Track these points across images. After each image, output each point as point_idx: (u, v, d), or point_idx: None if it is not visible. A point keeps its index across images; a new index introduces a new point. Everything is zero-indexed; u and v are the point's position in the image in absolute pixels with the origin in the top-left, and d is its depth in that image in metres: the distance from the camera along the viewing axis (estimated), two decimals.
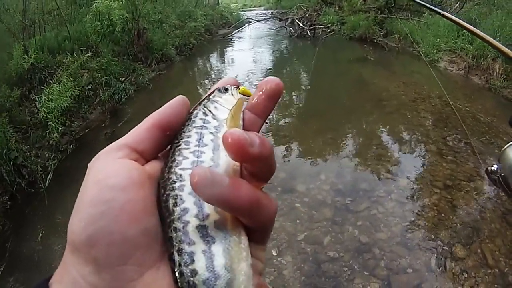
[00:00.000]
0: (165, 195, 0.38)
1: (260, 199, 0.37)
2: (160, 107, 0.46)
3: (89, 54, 8.51)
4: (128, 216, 0.36)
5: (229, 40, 16.30)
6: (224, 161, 0.40)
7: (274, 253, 4.10)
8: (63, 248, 0.38)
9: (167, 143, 0.44)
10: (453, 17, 2.48)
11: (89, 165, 0.40)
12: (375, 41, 13.76)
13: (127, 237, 0.35)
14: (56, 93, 6.77)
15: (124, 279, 0.35)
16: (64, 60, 8.10)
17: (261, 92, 0.46)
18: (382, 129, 6.98)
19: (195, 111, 0.46)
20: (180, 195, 0.37)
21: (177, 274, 0.35)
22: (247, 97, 0.49)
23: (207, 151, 0.41)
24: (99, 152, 0.41)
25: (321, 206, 4.79)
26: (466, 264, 3.75)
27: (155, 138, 0.43)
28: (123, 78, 9.33)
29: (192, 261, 0.34)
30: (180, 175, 0.39)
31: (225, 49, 15.26)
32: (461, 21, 2.40)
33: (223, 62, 13.75)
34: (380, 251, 3.99)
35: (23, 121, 6.63)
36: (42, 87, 7.20)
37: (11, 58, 7.17)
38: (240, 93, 0.50)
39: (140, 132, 0.43)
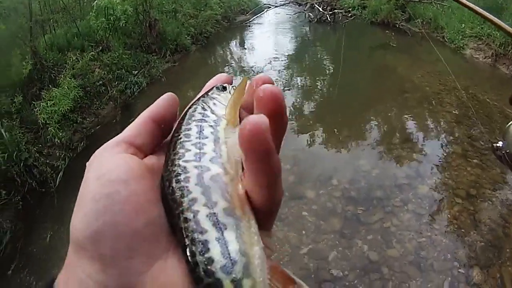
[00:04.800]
0: (171, 188, 0.38)
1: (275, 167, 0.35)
2: None
3: (96, 51, 8.53)
4: (132, 208, 0.36)
5: (248, 26, 16.04)
6: (226, 152, 0.41)
7: None
8: None
9: (162, 136, 0.45)
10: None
11: (88, 162, 0.40)
12: (397, 26, 13.33)
13: (134, 229, 0.35)
14: (58, 97, 6.75)
15: (133, 273, 0.35)
16: (68, 61, 8.06)
17: (254, 90, 0.43)
18: (403, 126, 6.70)
19: (194, 106, 0.46)
20: (186, 186, 0.37)
21: (192, 264, 0.34)
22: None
23: (208, 143, 0.41)
24: (99, 149, 0.41)
25: (330, 215, 4.61)
26: None
27: (151, 132, 0.43)
28: (136, 71, 9.28)
29: (207, 249, 0.34)
30: (184, 167, 0.39)
31: (244, 36, 15.05)
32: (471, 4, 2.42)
33: (243, 49, 13.50)
34: (390, 271, 3.80)
35: (34, 121, 6.65)
36: (53, 87, 7.17)
37: (10, 65, 7.20)
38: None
39: (136, 126, 0.43)
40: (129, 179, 0.37)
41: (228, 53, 13.39)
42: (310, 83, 9.40)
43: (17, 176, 5.50)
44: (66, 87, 6.96)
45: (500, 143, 1.79)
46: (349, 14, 15.55)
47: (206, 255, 0.33)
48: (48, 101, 6.65)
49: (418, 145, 5.99)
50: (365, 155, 5.83)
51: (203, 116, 0.45)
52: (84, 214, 0.35)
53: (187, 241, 0.34)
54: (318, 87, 9.33)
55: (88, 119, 7.47)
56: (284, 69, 10.51)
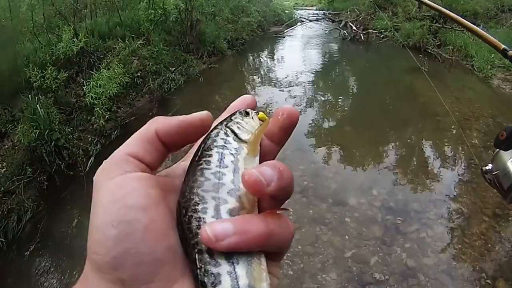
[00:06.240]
0: (187, 217, 0.38)
1: (272, 231, 0.37)
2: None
3: (140, 42, 8.55)
4: (153, 235, 0.36)
5: (281, 38, 16.18)
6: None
7: (319, 266, 4.02)
8: None
9: (165, 156, 0.43)
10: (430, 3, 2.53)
11: (95, 178, 0.39)
12: (429, 51, 13.31)
13: (154, 256, 0.36)
14: (105, 79, 6.75)
15: None
16: (115, 46, 8.19)
17: (278, 119, 0.46)
18: (436, 147, 6.78)
19: (216, 130, 0.46)
20: (203, 218, 0.38)
21: None
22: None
23: (227, 173, 0.41)
24: (104, 163, 0.40)
25: (371, 223, 4.68)
26: None
27: (158, 149, 0.42)
28: (173, 68, 9.36)
29: (219, 282, 0.35)
30: (203, 197, 0.39)
31: (276, 47, 15.16)
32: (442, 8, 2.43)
33: (274, 60, 13.57)
34: (425, 278, 3.86)
35: (68, 103, 6.71)
36: (90, 71, 7.24)
37: (60, 41, 7.16)
38: (259, 119, 0.50)
39: (145, 140, 0.42)
40: (148, 205, 0.37)
41: (260, 61, 13.52)
42: (344, 98, 9.47)
43: (46, 155, 5.45)
44: (115, 70, 6.98)
45: (489, 166, 1.81)
46: (382, 35, 15.63)
47: (217, 287, 0.35)
48: (98, 81, 6.67)
49: (450, 165, 6.10)
50: (401, 170, 5.95)
51: (225, 143, 0.45)
52: (102, 238, 0.36)
53: (199, 272, 0.36)
54: (353, 103, 9.42)
55: (122, 108, 7.54)
56: (316, 83, 10.64)
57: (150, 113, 7.72)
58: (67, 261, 4.39)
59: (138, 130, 0.42)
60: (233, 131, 0.46)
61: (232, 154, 0.44)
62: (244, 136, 0.46)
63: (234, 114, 0.49)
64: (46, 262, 4.39)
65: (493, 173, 1.77)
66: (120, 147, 0.41)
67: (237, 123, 0.48)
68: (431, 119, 7.71)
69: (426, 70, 11.46)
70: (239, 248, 0.35)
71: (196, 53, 10.91)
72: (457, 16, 2.25)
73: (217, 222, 0.37)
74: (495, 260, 4.06)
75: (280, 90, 9.79)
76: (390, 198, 5.15)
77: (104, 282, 0.35)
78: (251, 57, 13.76)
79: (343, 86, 10.84)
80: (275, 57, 13.94)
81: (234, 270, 0.36)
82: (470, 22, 2.17)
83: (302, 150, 6.41)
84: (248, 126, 0.48)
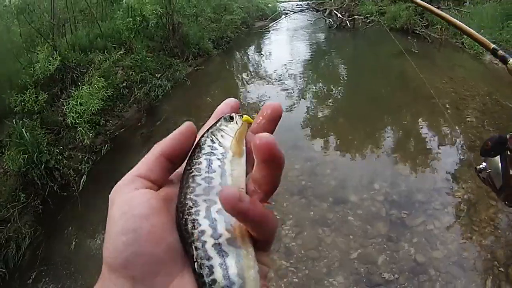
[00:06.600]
0: (183, 219, 0.43)
1: (268, 215, 0.42)
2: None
3: (121, 52, 8.43)
4: (154, 239, 0.42)
5: (267, 32, 16.09)
6: (231, 185, 0.46)
7: (324, 270, 3.95)
8: (97, 254, 1.84)
9: (173, 169, 0.48)
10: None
11: (110, 196, 0.45)
12: (417, 32, 13.26)
13: (156, 256, 0.41)
14: (86, 95, 6.63)
15: (157, 287, 0.41)
16: (95, 59, 8.02)
17: (262, 117, 0.51)
18: (435, 131, 6.67)
19: (203, 138, 0.50)
20: (196, 219, 0.43)
21: (201, 284, 0.40)
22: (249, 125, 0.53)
23: (216, 177, 0.46)
24: (118, 184, 0.46)
25: (375, 219, 4.59)
26: None
27: (163, 167, 0.47)
28: (159, 74, 9.27)
29: (212, 272, 0.40)
30: (195, 201, 0.44)
31: (262, 42, 15.11)
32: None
33: (261, 55, 13.52)
34: (436, 272, 3.79)
35: (55, 122, 6.64)
36: (72, 88, 7.12)
37: (37, 61, 7.05)
38: (243, 121, 0.53)
39: (150, 162, 0.47)
40: (150, 214, 0.43)
41: (247, 58, 13.44)
42: (335, 88, 9.39)
43: (38, 178, 5.43)
44: (96, 85, 6.84)
45: (482, 165, 1.82)
46: (368, 21, 15.52)
47: (211, 277, 0.40)
48: (78, 99, 6.54)
49: (451, 150, 6.00)
50: (402, 159, 5.83)
51: (212, 149, 0.49)
52: (115, 245, 0.41)
53: (196, 266, 0.41)
54: (345, 92, 9.34)
55: (111, 121, 7.46)
56: (306, 74, 10.54)
57: (139, 123, 7.74)
58: (69, 282, 4.44)
59: (145, 156, 0.48)
60: (217, 138, 0.50)
61: (219, 159, 0.48)
62: (229, 142, 0.50)
63: (219, 120, 0.53)
64: (49, 286, 4.42)
65: (487, 171, 1.79)
66: (130, 171, 0.47)
67: (221, 130, 0.51)
68: (425, 102, 7.56)
69: (416, 51, 11.38)
70: (248, 215, 0.39)
71: (181, 57, 10.80)
72: (446, 15, 2.20)
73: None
74: (507, 247, 3.98)
75: (270, 85, 9.72)
76: (392, 191, 5.03)
77: (119, 279, 0.41)
78: (238, 55, 13.67)
79: (333, 76, 10.75)
80: (262, 52, 13.89)
81: (225, 262, 0.41)
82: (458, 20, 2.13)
83: (296, 147, 6.30)
84: (232, 132, 0.51)
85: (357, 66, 11.09)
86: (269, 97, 8.66)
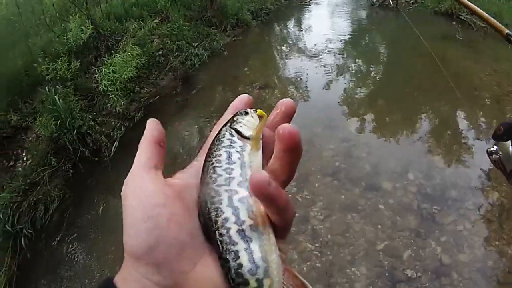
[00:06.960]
0: (207, 208, 0.45)
1: (290, 201, 0.45)
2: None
3: (157, 21, 8.49)
4: (176, 224, 0.44)
5: (307, 6, 15.68)
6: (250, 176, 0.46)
7: (349, 258, 3.89)
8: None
9: (163, 152, 0.51)
10: None
11: (122, 192, 0.47)
12: (462, 18, 12.67)
13: (180, 240, 0.43)
14: (119, 63, 6.65)
15: (181, 271, 0.43)
16: (130, 28, 8.03)
17: (277, 113, 0.54)
18: (476, 125, 6.35)
19: (222, 132, 0.52)
20: (220, 207, 0.45)
21: (227, 268, 0.43)
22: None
23: (236, 168, 0.48)
24: (129, 174, 0.48)
25: (407, 211, 4.44)
26: None
27: (158, 152, 0.50)
28: (196, 44, 9.17)
29: (238, 257, 0.42)
30: (217, 191, 0.46)
31: (302, 16, 14.76)
32: None
33: (301, 29, 13.16)
34: (459, 276, 3.67)
35: (89, 88, 6.69)
36: (106, 56, 7.20)
37: (70, 30, 7.18)
38: (258, 115, 0.54)
39: (148, 150, 0.50)
40: (166, 203, 0.44)
41: (287, 31, 13.14)
42: (374, 68, 9.15)
43: (69, 143, 5.50)
44: (130, 53, 6.87)
45: (494, 147, 1.88)
46: (411, 1, 15.03)
47: (237, 262, 0.42)
48: (111, 67, 6.59)
49: (488, 147, 5.70)
50: (437, 149, 5.60)
51: (231, 142, 0.51)
52: (137, 232, 0.42)
53: (222, 251, 0.43)
54: (384, 73, 9.04)
55: (146, 89, 7.45)
56: (346, 52, 10.26)
57: (174, 91, 7.68)
58: (94, 247, 4.58)
59: (140, 142, 0.50)
60: (237, 131, 0.52)
61: (238, 151, 0.50)
62: (247, 134, 0.51)
63: (235, 115, 0.54)
64: (74, 249, 4.56)
65: (498, 154, 1.84)
66: (134, 161, 0.48)
67: (239, 122, 0.53)
68: (469, 93, 7.26)
69: (460, 38, 10.99)
70: (275, 199, 0.42)
71: (219, 27, 10.63)
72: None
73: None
74: None
75: (309, 60, 9.47)
76: (427, 183, 4.84)
77: (142, 266, 0.42)
78: (277, 27, 13.38)
79: (373, 55, 10.43)
80: (302, 26, 13.53)
81: (249, 246, 0.43)
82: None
83: (332, 127, 6.15)
84: (250, 124, 0.53)
85: (398, 47, 10.75)
86: (308, 72, 8.48)
